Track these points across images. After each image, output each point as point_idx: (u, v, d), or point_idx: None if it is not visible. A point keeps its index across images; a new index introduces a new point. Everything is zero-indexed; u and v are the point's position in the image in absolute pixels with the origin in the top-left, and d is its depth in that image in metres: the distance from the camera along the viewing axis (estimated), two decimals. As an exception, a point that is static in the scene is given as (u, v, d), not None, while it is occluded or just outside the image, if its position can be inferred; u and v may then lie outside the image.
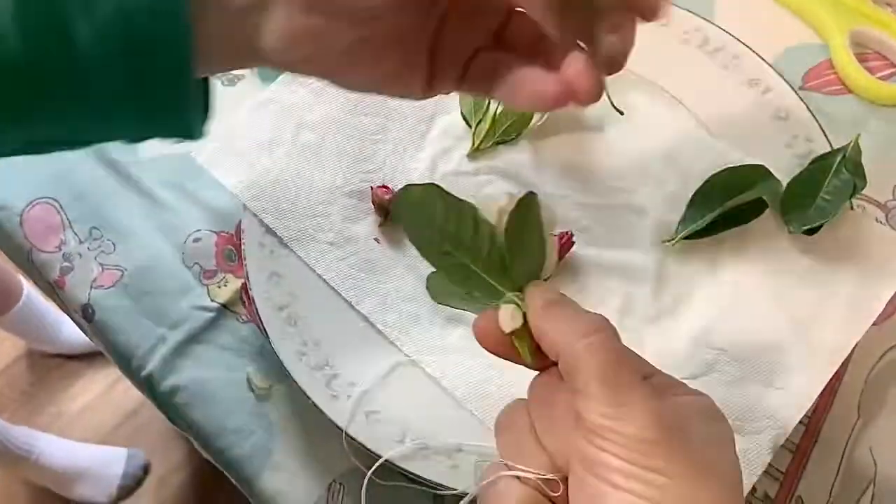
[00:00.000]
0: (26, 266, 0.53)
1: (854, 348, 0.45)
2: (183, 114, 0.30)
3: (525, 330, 0.30)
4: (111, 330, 0.49)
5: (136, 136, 0.31)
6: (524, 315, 0.30)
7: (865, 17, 0.57)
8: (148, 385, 0.48)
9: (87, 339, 1.44)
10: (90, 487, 1.43)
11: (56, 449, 1.38)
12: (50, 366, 1.54)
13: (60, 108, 0.28)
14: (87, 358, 1.53)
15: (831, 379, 0.44)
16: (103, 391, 1.53)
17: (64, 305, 0.53)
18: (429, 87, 0.33)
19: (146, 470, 1.45)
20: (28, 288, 1.34)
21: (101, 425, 1.50)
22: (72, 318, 0.55)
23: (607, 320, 0.30)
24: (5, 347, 1.54)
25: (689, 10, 0.55)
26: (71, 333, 1.48)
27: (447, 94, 0.34)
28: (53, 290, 0.51)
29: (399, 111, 0.53)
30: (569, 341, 0.28)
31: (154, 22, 0.26)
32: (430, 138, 0.53)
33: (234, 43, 0.29)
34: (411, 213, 0.33)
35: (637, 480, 0.25)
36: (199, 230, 0.52)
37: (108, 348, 0.50)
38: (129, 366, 0.49)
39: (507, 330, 0.30)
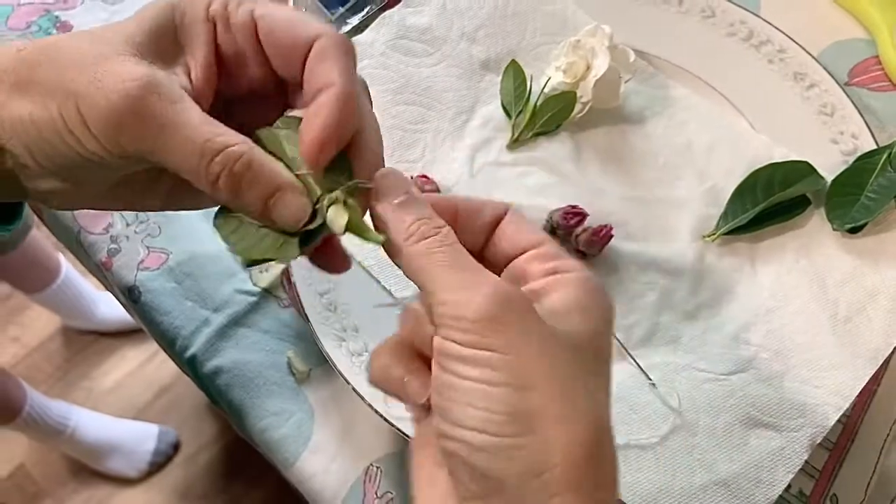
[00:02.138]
0: (74, 247, 0.54)
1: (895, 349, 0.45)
2: None
3: (355, 225, 0.28)
4: (157, 311, 0.50)
5: None
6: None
7: (915, 13, 0.56)
8: (191, 366, 0.49)
9: (120, 317, 1.48)
10: (122, 462, 1.46)
11: (90, 423, 1.42)
12: (85, 342, 1.57)
13: None
14: (120, 335, 1.56)
15: (870, 378, 0.44)
16: (136, 368, 1.56)
17: (110, 286, 0.54)
18: (166, 206, 0.33)
19: (176, 447, 1.48)
20: (66, 266, 1.37)
21: (133, 401, 1.53)
22: (118, 299, 0.56)
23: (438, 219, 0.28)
24: (42, 323, 1.57)
25: (734, 3, 0.55)
26: (106, 311, 1.51)
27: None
28: (101, 270, 0.53)
29: (440, 101, 0.54)
30: (408, 235, 0.27)
31: None
32: (470, 129, 0.53)
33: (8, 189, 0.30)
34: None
35: (474, 364, 0.25)
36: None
37: (152, 329, 0.51)
38: (173, 346, 0.50)
39: (340, 231, 0.27)
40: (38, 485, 1.50)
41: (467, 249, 0.28)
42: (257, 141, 0.28)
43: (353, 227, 0.27)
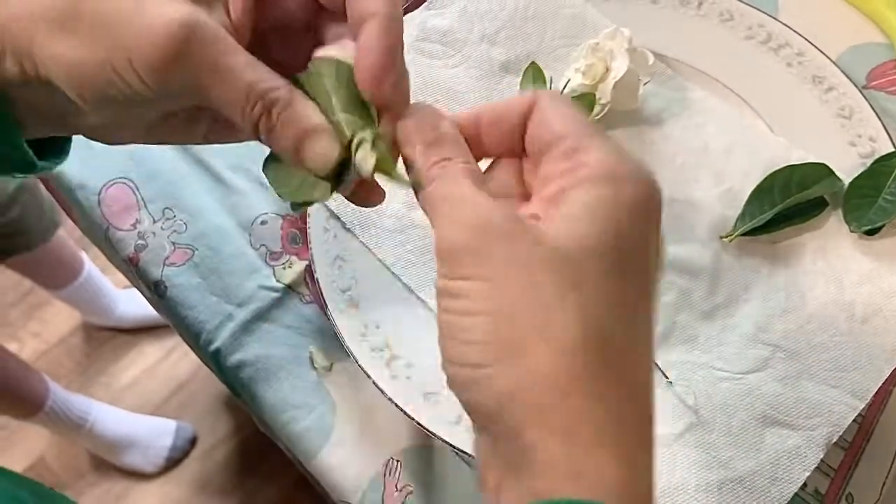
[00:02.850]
0: (103, 243, 0.55)
1: (911, 349, 0.45)
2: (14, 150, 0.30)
3: (383, 167, 0.28)
4: (182, 305, 0.51)
5: None
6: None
7: (933, 17, 0.56)
8: (215, 359, 0.50)
9: (139, 314, 1.50)
10: (139, 457, 1.48)
11: (109, 418, 1.44)
12: (104, 338, 1.59)
13: None
14: (139, 332, 1.58)
15: (887, 379, 0.45)
16: (154, 364, 1.58)
17: (136, 281, 0.55)
18: (206, 139, 0.34)
19: (193, 442, 1.49)
20: (88, 264, 1.39)
21: (151, 396, 1.55)
22: (143, 294, 0.57)
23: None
24: (62, 319, 1.60)
25: (753, 6, 0.55)
26: (125, 308, 1.53)
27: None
28: (128, 265, 0.54)
29: (460, 102, 0.55)
30: (427, 180, 0.27)
31: None
32: (491, 129, 0.54)
33: (47, 117, 0.30)
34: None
35: (455, 296, 0.24)
36: (265, 213, 0.54)
37: (177, 323, 0.52)
38: (197, 340, 0.51)
39: (367, 174, 0.28)
40: (58, 477, 1.52)
41: (506, 157, 0.28)
42: (295, 83, 0.28)
43: (381, 169, 0.27)
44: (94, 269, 1.42)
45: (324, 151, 0.28)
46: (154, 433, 1.48)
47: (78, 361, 1.58)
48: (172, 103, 0.29)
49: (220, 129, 0.32)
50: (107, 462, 1.48)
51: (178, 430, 1.48)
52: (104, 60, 0.27)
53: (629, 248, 0.25)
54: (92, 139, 0.31)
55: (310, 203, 0.29)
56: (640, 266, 0.25)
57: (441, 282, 0.25)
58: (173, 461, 1.49)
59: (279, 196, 0.30)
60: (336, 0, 0.29)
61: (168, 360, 1.57)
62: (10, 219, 1.02)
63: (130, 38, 0.26)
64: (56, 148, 0.33)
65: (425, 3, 0.57)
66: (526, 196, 0.28)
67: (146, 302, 1.55)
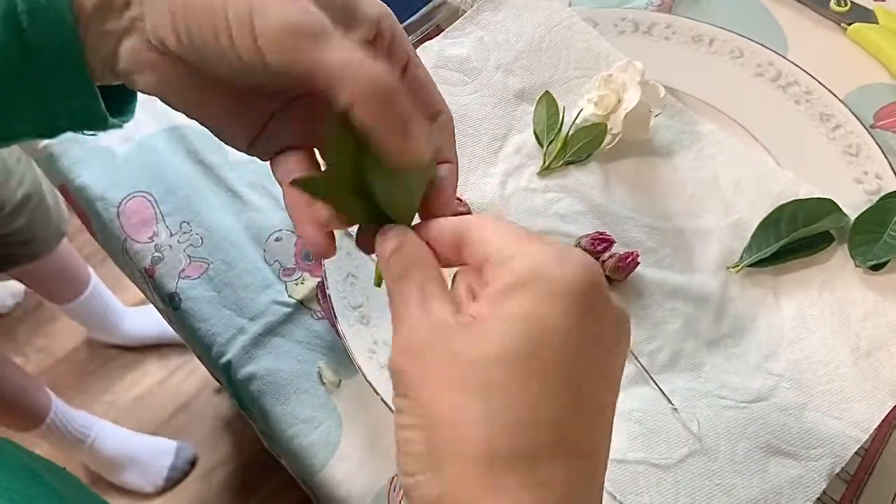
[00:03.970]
0: (119, 254, 0.56)
1: (915, 384, 0.45)
2: (80, 102, 0.32)
3: None
4: (195, 318, 0.52)
5: (42, 125, 0.33)
6: None
7: (939, 60, 0.58)
8: (226, 372, 0.51)
9: (144, 332, 1.51)
10: (139, 476, 1.47)
11: (110, 435, 1.44)
12: (108, 356, 1.60)
13: None
14: (143, 350, 1.58)
15: (889, 412, 0.45)
16: (157, 383, 1.59)
17: (151, 293, 0.56)
18: (249, 146, 0.34)
19: (193, 463, 1.49)
20: (95, 279, 1.40)
21: (152, 416, 1.55)
22: (157, 306, 0.58)
23: (417, 238, 0.30)
24: (68, 335, 1.61)
25: (763, 45, 0.57)
26: (130, 326, 1.53)
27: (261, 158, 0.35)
28: (143, 277, 0.55)
29: (475, 128, 0.56)
30: (392, 278, 0.29)
31: (39, 21, 0.29)
32: (503, 155, 0.55)
33: (101, 58, 0.31)
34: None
35: (396, 411, 0.26)
36: (280, 230, 0.55)
37: (190, 335, 0.53)
38: (209, 353, 0.52)
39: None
40: (55, 494, 1.51)
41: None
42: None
43: None
44: (101, 285, 1.43)
45: (418, 144, 0.29)
46: (154, 452, 1.48)
47: (81, 377, 1.58)
48: (256, 74, 0.29)
49: (234, 114, 0.33)
50: (105, 480, 1.48)
51: (179, 451, 1.48)
52: (222, 5, 0.28)
53: (558, 343, 0.25)
54: (126, 78, 0.32)
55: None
56: (574, 355, 0.25)
57: (392, 399, 0.27)
58: (173, 481, 1.48)
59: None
60: None
61: (171, 380, 1.57)
62: (16, 228, 1.03)
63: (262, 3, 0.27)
64: (122, 107, 0.35)
65: (443, 33, 0.59)
66: None
67: (152, 320, 1.56)
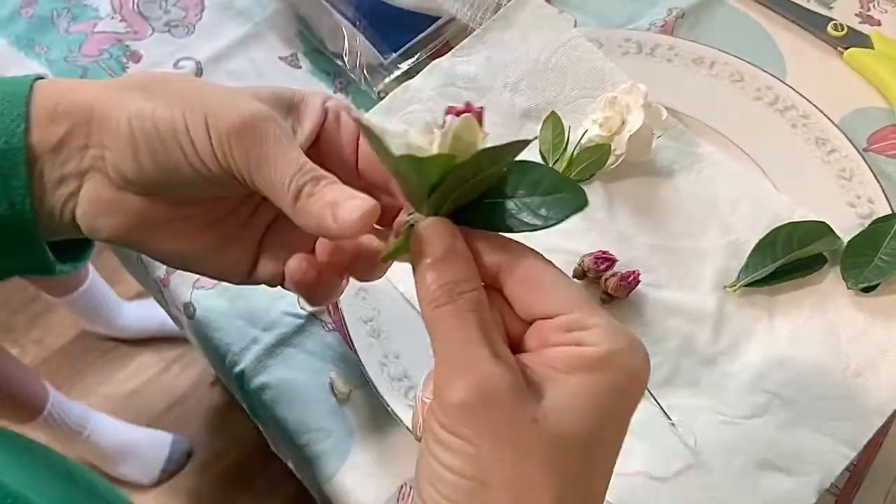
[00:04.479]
0: (135, 263, 0.58)
1: (901, 402, 0.48)
2: (34, 253, 0.33)
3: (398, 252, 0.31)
4: (209, 328, 0.54)
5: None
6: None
7: (932, 87, 0.60)
8: (239, 381, 0.53)
9: (140, 325, 1.51)
10: (135, 468, 1.49)
11: (107, 428, 1.45)
12: (104, 348, 1.61)
13: None
14: (139, 343, 1.59)
15: (878, 431, 0.47)
16: (153, 376, 1.60)
17: (166, 302, 0.57)
18: (250, 275, 0.36)
19: (189, 455, 1.51)
20: (93, 273, 1.41)
21: (149, 409, 1.56)
22: (170, 315, 0.59)
23: (480, 285, 0.29)
24: (65, 327, 1.61)
25: (762, 69, 0.58)
26: (126, 319, 1.55)
27: (269, 285, 0.36)
28: (158, 286, 0.56)
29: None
30: (430, 300, 0.28)
31: None
32: (510, 173, 0.57)
33: (48, 210, 0.32)
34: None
35: (446, 448, 0.26)
36: (292, 242, 0.56)
37: (204, 344, 0.55)
38: (223, 362, 0.53)
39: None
40: (51, 485, 1.52)
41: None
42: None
43: (392, 256, 0.31)
44: (98, 278, 1.44)
45: (357, 204, 0.29)
46: (151, 445, 1.50)
47: (78, 370, 1.59)
48: (214, 183, 0.31)
49: (223, 250, 0.35)
50: (102, 471, 1.49)
51: (175, 443, 1.49)
52: (179, 117, 0.30)
53: (610, 433, 0.28)
54: (86, 229, 0.33)
55: (391, 254, 0.32)
56: (614, 445, 0.28)
57: (435, 426, 0.27)
58: (168, 473, 1.50)
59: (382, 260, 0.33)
60: (379, 182, 0.35)
61: (168, 373, 1.59)
62: None
63: (215, 105, 0.30)
64: (76, 253, 0.37)
65: (452, 51, 0.60)
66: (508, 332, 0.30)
67: (148, 313, 1.57)
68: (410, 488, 0.49)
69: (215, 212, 0.35)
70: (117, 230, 0.33)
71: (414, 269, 0.29)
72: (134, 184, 0.31)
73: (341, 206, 0.30)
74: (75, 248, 0.37)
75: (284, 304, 0.54)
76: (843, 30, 0.62)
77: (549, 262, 0.30)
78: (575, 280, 0.31)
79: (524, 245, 0.30)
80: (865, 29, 0.64)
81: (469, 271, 0.29)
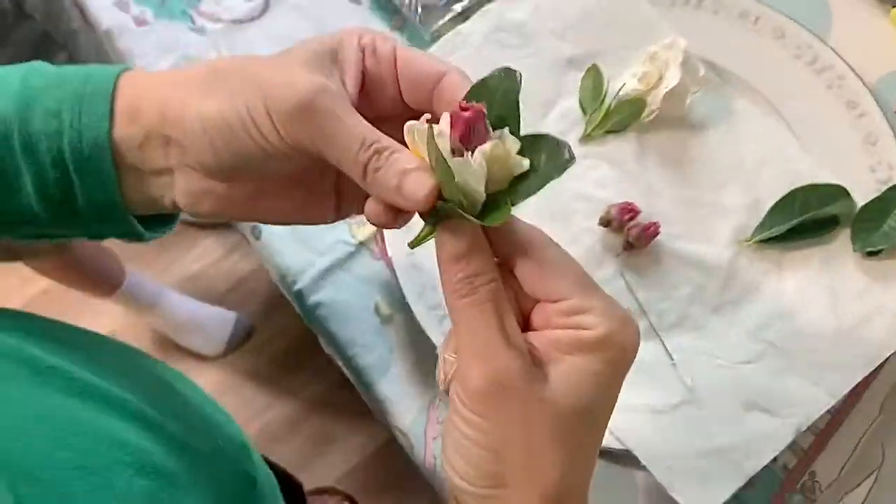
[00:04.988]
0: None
1: (889, 357, 0.52)
2: (125, 227, 0.38)
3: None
4: (272, 250, 0.61)
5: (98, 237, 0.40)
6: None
7: (975, 52, 0.60)
8: (298, 298, 0.60)
9: (187, 313, 1.57)
10: (202, 340, 1.63)
11: (178, 303, 1.59)
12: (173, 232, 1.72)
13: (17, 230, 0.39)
14: (205, 226, 1.70)
15: (862, 381, 0.52)
16: (218, 259, 1.72)
17: (235, 224, 0.64)
18: (338, 215, 0.40)
19: (250, 333, 1.64)
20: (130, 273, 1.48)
21: (213, 288, 1.69)
22: (244, 235, 0.67)
23: (496, 270, 0.33)
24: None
25: (804, 26, 0.60)
26: (174, 307, 1.60)
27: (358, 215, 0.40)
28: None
29: (526, 93, 0.60)
30: (453, 290, 0.33)
31: (84, 178, 0.36)
32: (550, 120, 0.61)
33: (147, 198, 0.37)
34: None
35: (468, 423, 0.31)
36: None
37: (269, 263, 0.62)
38: (284, 279, 0.61)
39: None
40: (127, 351, 1.68)
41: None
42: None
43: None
44: (136, 274, 1.52)
45: (420, 181, 0.32)
46: (216, 321, 1.63)
47: (147, 252, 1.71)
48: (289, 157, 0.34)
49: (310, 203, 0.40)
50: (172, 342, 1.64)
51: (238, 321, 1.62)
52: (243, 109, 0.34)
53: (606, 402, 0.33)
54: (193, 213, 0.38)
55: (419, 242, 0.36)
56: (608, 412, 0.33)
57: (458, 403, 0.32)
58: (231, 348, 1.64)
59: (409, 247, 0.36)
60: (421, 99, 0.37)
61: (232, 257, 1.70)
62: None
63: (272, 90, 0.33)
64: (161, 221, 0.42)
65: (502, -4, 0.63)
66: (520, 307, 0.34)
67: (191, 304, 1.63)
68: (439, 400, 0.57)
69: (295, 176, 0.39)
70: (214, 210, 0.37)
71: (439, 261, 0.33)
72: (218, 172, 0.35)
73: (406, 181, 0.33)
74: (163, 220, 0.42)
75: (338, 231, 0.61)
76: (894, -13, 0.63)
77: (555, 245, 0.34)
78: (576, 261, 0.33)
79: (534, 229, 0.34)
80: (918, -15, 0.64)
81: (487, 264, 0.33)
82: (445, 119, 0.33)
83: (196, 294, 1.64)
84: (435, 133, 0.32)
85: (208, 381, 1.63)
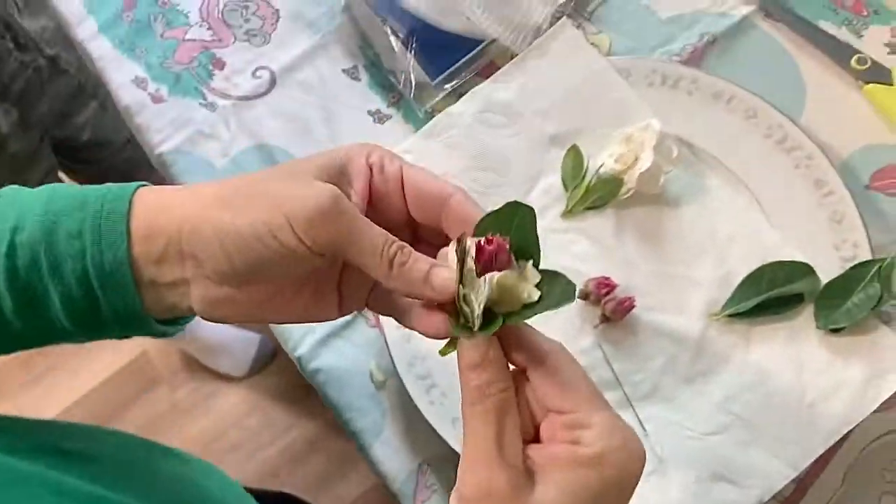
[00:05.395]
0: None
1: (852, 430, 0.55)
2: (146, 329, 0.42)
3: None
4: (275, 318, 0.66)
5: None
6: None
7: (942, 129, 0.63)
8: (299, 362, 0.65)
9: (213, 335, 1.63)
10: (228, 362, 1.70)
11: (205, 325, 1.65)
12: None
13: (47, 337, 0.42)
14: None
15: (828, 451, 0.55)
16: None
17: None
18: (341, 312, 0.43)
19: (274, 354, 1.70)
20: None
21: (240, 310, 1.75)
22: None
23: (508, 381, 0.35)
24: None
25: (775, 107, 0.63)
26: (203, 331, 1.65)
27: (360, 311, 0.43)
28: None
29: (511, 170, 0.65)
30: (466, 397, 0.35)
31: (107, 292, 0.39)
32: (533, 195, 0.65)
33: (165, 306, 0.40)
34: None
35: None
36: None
37: (272, 328, 0.67)
38: (287, 345, 0.66)
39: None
40: (157, 371, 1.76)
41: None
42: None
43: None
44: None
45: (445, 279, 0.37)
46: (241, 343, 1.69)
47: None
48: (303, 262, 0.37)
49: (317, 302, 0.42)
50: (199, 363, 1.71)
51: (262, 343, 1.69)
52: (258, 222, 0.36)
53: None
54: (204, 317, 0.41)
55: (446, 351, 0.39)
56: None
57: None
58: (255, 369, 1.70)
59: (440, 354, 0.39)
60: (428, 217, 0.41)
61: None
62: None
63: (288, 200, 0.36)
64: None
65: (492, 77, 0.67)
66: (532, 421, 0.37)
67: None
68: (428, 465, 0.61)
69: (303, 280, 0.41)
70: (228, 315, 0.40)
71: (458, 368, 0.37)
72: (232, 280, 0.38)
73: (434, 275, 0.37)
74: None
75: (336, 301, 0.65)
76: (865, 63, 0.65)
77: (571, 360, 0.37)
78: (588, 378, 0.36)
79: (553, 343, 0.37)
80: (893, 60, 0.66)
81: (498, 375, 0.35)
82: (473, 243, 0.37)
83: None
84: (466, 249, 0.37)
85: (233, 402, 1.70)
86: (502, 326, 0.36)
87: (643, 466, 0.35)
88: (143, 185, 0.42)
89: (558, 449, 0.34)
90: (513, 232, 0.38)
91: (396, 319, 0.42)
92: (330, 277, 0.43)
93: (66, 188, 0.42)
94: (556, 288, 0.38)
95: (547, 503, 0.33)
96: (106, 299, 0.40)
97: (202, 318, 0.41)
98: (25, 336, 0.41)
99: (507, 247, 0.37)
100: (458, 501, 0.35)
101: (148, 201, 0.40)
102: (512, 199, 0.61)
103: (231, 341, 1.69)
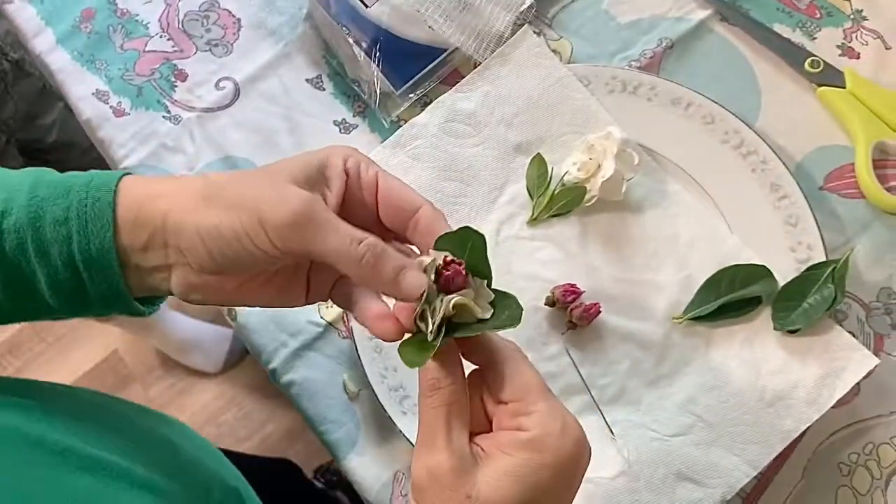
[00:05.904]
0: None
1: (809, 427, 0.58)
2: (128, 309, 0.44)
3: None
4: (248, 330, 0.66)
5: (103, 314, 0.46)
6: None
7: (893, 133, 0.65)
8: (272, 375, 0.66)
9: (184, 333, 1.63)
10: (202, 357, 1.70)
11: (178, 321, 1.65)
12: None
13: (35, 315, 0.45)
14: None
15: (787, 447, 0.58)
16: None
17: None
18: (307, 300, 0.46)
19: (248, 350, 1.70)
20: None
21: (211, 307, 1.74)
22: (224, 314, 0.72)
23: (458, 378, 0.39)
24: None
25: (731, 112, 0.64)
26: (174, 327, 1.66)
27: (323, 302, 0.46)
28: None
29: (477, 179, 0.66)
30: (420, 390, 0.39)
31: (93, 276, 0.41)
32: (499, 204, 0.66)
33: (147, 287, 0.43)
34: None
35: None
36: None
37: (247, 342, 0.68)
38: (260, 358, 0.66)
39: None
40: (129, 369, 1.75)
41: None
42: None
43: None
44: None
45: (416, 280, 0.39)
46: (214, 338, 1.69)
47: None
48: (282, 260, 0.40)
49: (286, 291, 0.46)
50: (172, 360, 1.70)
51: (236, 338, 1.69)
52: (237, 224, 0.39)
53: (543, 499, 0.36)
54: (182, 299, 0.44)
55: (417, 363, 0.40)
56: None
57: (409, 492, 0.39)
58: (230, 363, 1.71)
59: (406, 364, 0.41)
60: (397, 224, 0.43)
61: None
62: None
63: (265, 206, 0.39)
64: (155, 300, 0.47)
65: (455, 87, 0.68)
66: (486, 415, 0.40)
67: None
68: (403, 474, 0.62)
69: (274, 269, 0.45)
70: (205, 298, 0.43)
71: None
72: (210, 270, 0.41)
73: (404, 277, 0.39)
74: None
75: (307, 313, 0.66)
76: (819, 66, 0.67)
77: (520, 356, 0.40)
78: (535, 371, 0.40)
79: (505, 342, 0.41)
80: (844, 61, 0.68)
81: (448, 371, 0.39)
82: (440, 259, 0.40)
83: (195, 312, 1.70)
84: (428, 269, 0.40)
85: (209, 397, 1.70)
86: (454, 337, 0.40)
87: (584, 451, 0.38)
88: (128, 174, 0.43)
89: (502, 435, 0.38)
90: (467, 255, 0.41)
91: (353, 315, 0.45)
92: (300, 270, 0.46)
93: (50, 174, 0.43)
94: (504, 310, 0.41)
95: (488, 485, 0.36)
96: (92, 282, 0.42)
97: (180, 299, 0.43)
98: (12, 311, 0.44)
99: (464, 271, 0.40)
100: (410, 490, 0.38)
101: (134, 190, 0.42)
102: (476, 211, 0.63)
103: (204, 337, 1.69)
